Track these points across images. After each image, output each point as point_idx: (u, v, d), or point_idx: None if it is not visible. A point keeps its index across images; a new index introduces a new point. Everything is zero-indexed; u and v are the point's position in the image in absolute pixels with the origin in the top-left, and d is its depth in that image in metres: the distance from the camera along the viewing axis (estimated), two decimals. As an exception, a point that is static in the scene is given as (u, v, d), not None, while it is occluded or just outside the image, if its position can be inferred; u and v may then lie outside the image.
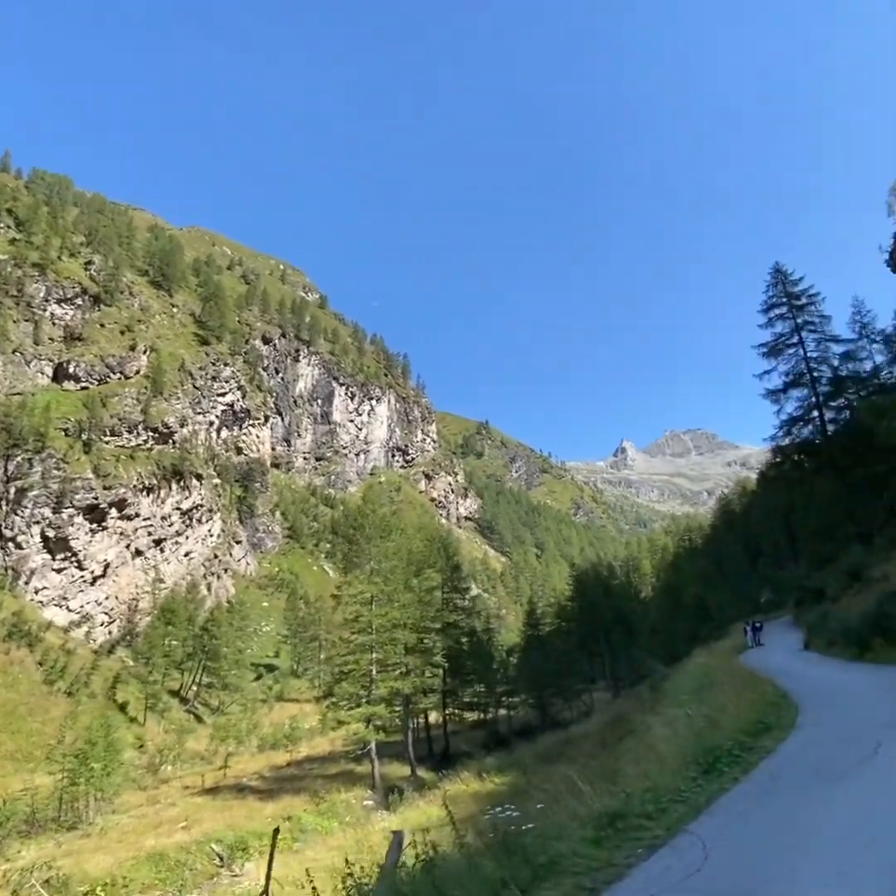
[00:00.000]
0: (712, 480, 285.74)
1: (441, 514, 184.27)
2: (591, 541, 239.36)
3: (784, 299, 46.71)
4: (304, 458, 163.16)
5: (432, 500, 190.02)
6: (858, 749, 8.57)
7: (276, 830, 13.85)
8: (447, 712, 51.95)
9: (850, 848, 5.33)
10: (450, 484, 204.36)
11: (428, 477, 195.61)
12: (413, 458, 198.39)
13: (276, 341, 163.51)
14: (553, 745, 34.46)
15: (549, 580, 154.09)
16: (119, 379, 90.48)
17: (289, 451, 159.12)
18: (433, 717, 51.73)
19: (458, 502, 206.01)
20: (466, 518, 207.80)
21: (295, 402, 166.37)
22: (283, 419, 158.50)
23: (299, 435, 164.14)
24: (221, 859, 24.21)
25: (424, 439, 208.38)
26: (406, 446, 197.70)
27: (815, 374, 45.55)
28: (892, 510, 39.82)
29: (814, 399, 45.15)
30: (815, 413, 45.29)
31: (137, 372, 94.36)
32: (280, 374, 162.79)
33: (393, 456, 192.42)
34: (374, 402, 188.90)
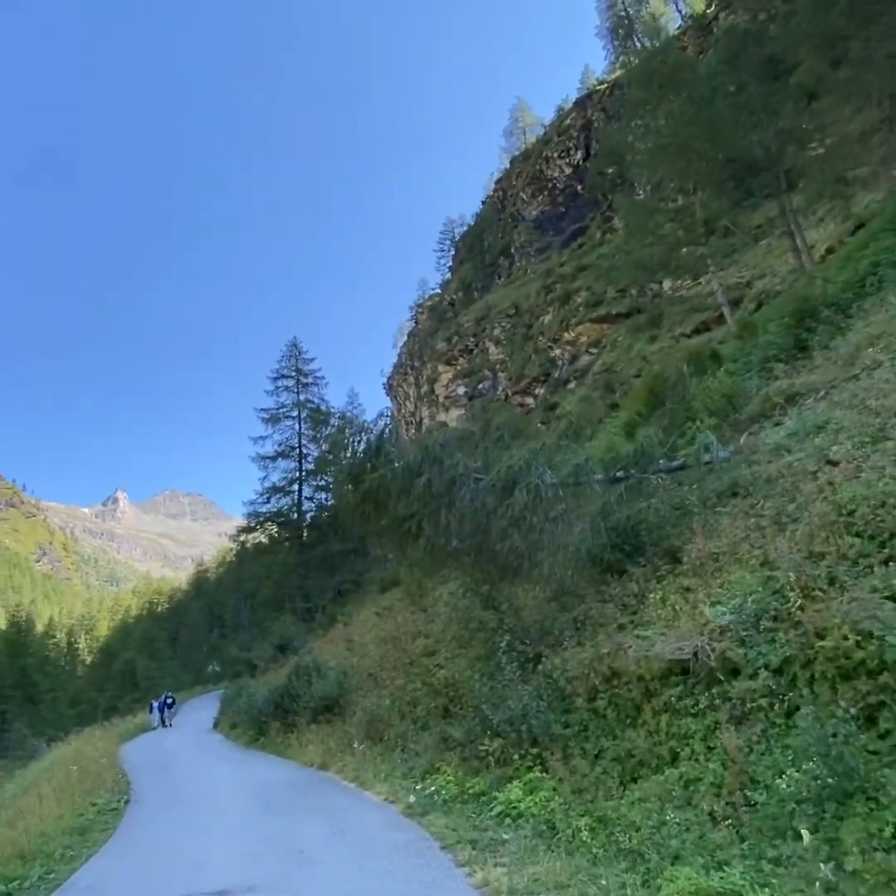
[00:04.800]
0: (200, 548, 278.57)
1: None
2: (48, 593, 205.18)
3: (293, 373, 46.80)
4: None
5: None
6: None
7: None
8: None
9: None
10: None
11: None
12: None
13: None
14: None
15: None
16: None
17: None
18: None
19: None
20: None
21: None
22: None
23: None
24: None
25: None
26: None
27: (304, 450, 45.76)
28: (339, 591, 40.88)
29: (298, 473, 45.27)
30: (296, 487, 45.32)
31: None
32: None
33: None
34: None
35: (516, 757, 7.20)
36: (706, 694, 5.65)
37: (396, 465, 9.59)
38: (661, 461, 9.53)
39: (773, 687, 5.14)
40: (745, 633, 5.77)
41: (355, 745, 11.54)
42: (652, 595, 7.77)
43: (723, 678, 5.59)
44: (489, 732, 7.69)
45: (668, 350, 34.77)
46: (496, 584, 9.99)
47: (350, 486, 9.97)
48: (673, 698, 5.97)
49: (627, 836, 4.97)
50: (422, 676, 11.98)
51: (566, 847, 5.32)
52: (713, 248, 22.59)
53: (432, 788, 7.96)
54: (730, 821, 4.48)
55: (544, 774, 6.73)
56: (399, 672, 13.18)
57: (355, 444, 9.88)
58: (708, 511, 8.66)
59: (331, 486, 43.30)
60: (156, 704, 25.17)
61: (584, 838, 5.35)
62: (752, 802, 4.47)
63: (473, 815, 6.86)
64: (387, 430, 10.08)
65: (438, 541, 9.76)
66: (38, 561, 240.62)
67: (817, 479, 7.42)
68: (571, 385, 47.93)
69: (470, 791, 7.37)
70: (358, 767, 10.55)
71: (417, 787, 8.22)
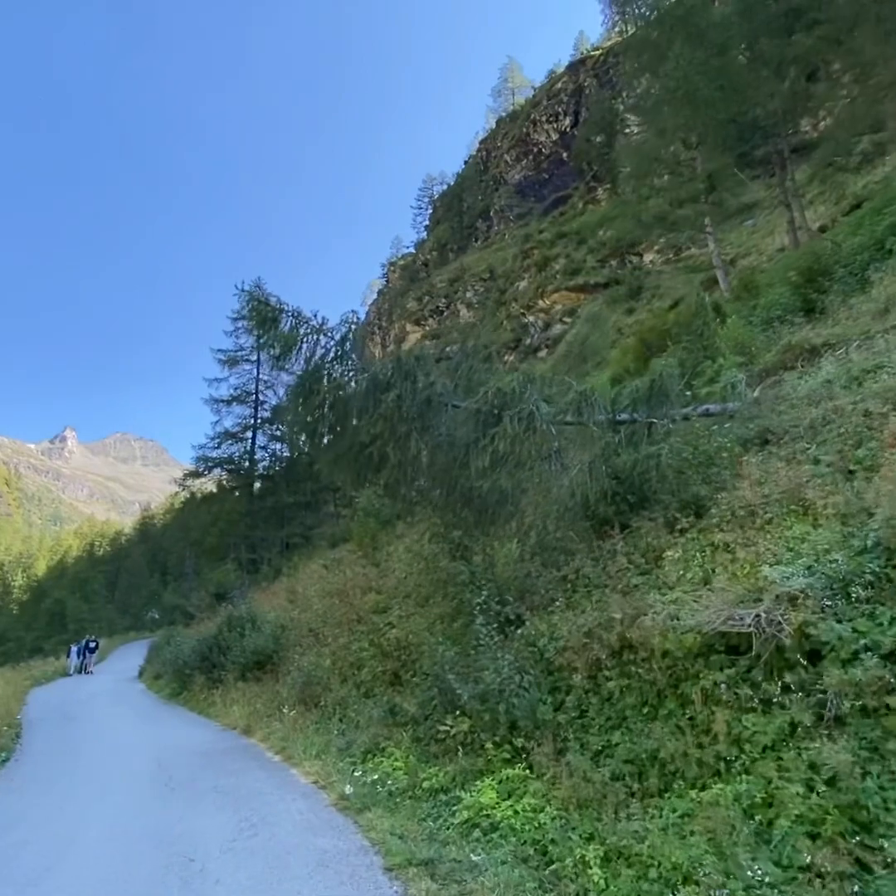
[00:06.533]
0: (149, 494, 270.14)
1: None
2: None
3: (255, 315, 43.61)
4: None
5: None
6: None
7: None
8: None
9: None
10: None
11: None
12: None
13: None
14: None
15: None
16: None
17: None
18: None
19: None
20: None
21: None
22: None
23: None
24: None
25: None
26: None
27: (262, 397, 43.02)
28: (287, 544, 38.84)
29: (252, 420, 42.62)
30: (250, 434, 42.71)
31: None
32: None
33: None
34: None
35: (490, 745, 5.46)
36: (776, 683, 3.98)
37: (360, 376, 7.66)
38: (688, 395, 7.82)
39: (892, 680, 3.49)
40: (827, 603, 4.12)
41: (286, 710, 9.74)
42: (670, 552, 6.10)
43: (803, 661, 3.93)
44: (456, 710, 5.94)
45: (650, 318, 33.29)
46: (471, 531, 8.22)
47: (301, 400, 8.00)
48: (721, 684, 4.29)
49: (671, 888, 3.27)
50: (369, 635, 10.21)
51: (574, 889, 3.62)
52: (712, 207, 20.95)
53: (376, 776, 6.17)
54: (858, 888, 2.84)
55: (528, 772, 5.02)
56: (343, 629, 11.38)
57: (311, 347, 7.88)
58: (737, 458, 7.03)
59: (286, 436, 40.98)
60: (75, 648, 22.92)
61: (596, 879, 3.65)
62: (890, 860, 2.83)
63: (429, 820, 5.11)
64: (350, 335, 8.10)
65: (404, 474, 7.91)
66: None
67: (888, 420, 5.83)
68: (542, 353, 46.36)
69: (425, 784, 5.62)
70: (286, 736, 8.76)
71: (356, 772, 6.45)
